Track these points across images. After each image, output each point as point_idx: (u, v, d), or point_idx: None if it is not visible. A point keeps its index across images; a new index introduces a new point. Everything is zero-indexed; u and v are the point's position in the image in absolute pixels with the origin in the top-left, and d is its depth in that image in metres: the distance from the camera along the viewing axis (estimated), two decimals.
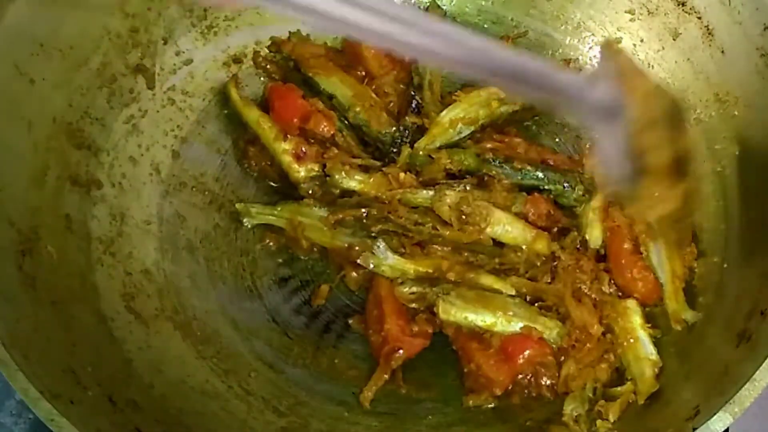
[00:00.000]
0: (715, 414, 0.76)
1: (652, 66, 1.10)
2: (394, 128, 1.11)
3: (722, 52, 1.01)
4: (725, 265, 0.97)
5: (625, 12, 1.11)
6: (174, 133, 1.10)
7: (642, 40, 1.11)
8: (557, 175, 1.07)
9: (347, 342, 1.05)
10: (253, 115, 1.11)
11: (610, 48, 0.84)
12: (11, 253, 0.86)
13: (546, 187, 1.06)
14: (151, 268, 1.03)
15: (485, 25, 1.19)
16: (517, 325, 0.97)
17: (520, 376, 0.97)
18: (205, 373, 0.98)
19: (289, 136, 1.09)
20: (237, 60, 1.15)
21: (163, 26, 1.08)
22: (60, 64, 0.96)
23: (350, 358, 1.04)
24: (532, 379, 0.97)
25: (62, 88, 0.97)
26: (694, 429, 0.77)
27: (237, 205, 1.09)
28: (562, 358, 0.97)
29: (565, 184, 1.06)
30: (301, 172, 1.08)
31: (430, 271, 1.03)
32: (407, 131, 1.11)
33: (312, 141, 1.10)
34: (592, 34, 1.15)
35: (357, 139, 1.12)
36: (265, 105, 1.13)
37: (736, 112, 1.00)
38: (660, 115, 0.82)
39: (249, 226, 1.09)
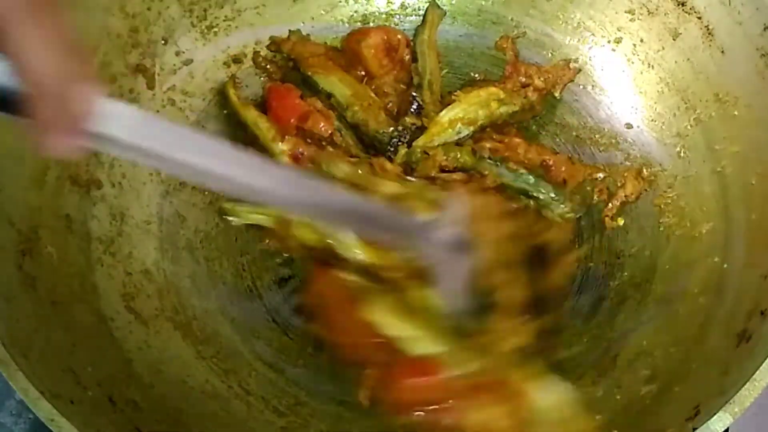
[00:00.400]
0: (715, 414, 0.76)
1: (652, 66, 1.10)
2: (392, 128, 1.11)
3: (722, 52, 1.01)
4: (725, 266, 0.97)
5: (625, 12, 1.11)
6: None
7: (642, 40, 1.11)
8: (549, 187, 1.06)
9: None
10: (250, 115, 1.10)
11: (457, 196, 0.93)
12: (11, 253, 0.86)
13: (534, 194, 1.06)
14: (151, 268, 1.03)
15: (485, 26, 1.19)
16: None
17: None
18: (205, 373, 0.98)
19: (286, 136, 1.08)
20: (237, 60, 1.15)
21: (163, 26, 1.08)
22: None
23: None
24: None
25: None
26: (694, 429, 0.77)
27: (224, 204, 1.08)
28: None
29: (552, 195, 1.05)
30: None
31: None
32: (406, 131, 1.11)
33: (310, 141, 1.09)
34: (592, 34, 1.14)
35: (355, 138, 1.12)
36: (264, 105, 1.13)
37: (736, 112, 1.00)
38: (514, 258, 0.87)
39: (237, 225, 1.08)
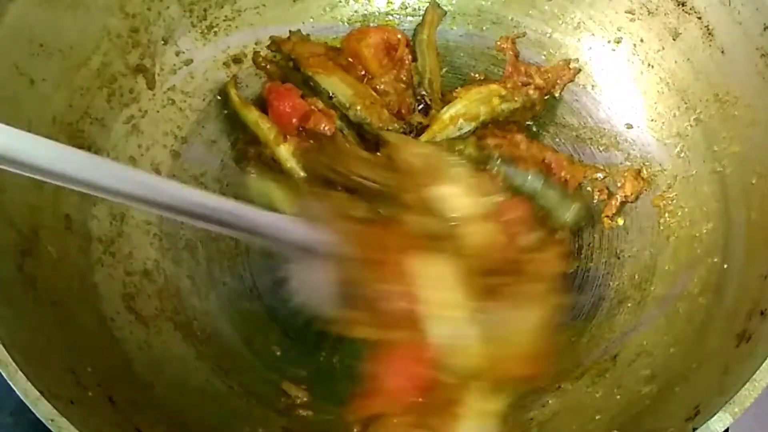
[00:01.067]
0: (715, 414, 0.76)
1: (652, 66, 1.10)
2: (397, 124, 1.11)
3: (722, 52, 1.01)
4: (725, 266, 0.97)
5: (625, 12, 1.11)
6: (174, 133, 1.10)
7: (642, 40, 1.11)
8: (556, 193, 1.06)
9: (347, 342, 1.05)
10: (252, 115, 1.11)
11: (310, 198, 0.95)
12: (11, 253, 0.86)
13: (541, 201, 1.05)
14: (151, 269, 1.03)
15: (485, 26, 1.19)
16: None
17: None
18: (205, 373, 0.99)
19: (288, 137, 1.09)
20: (237, 60, 1.15)
21: (163, 26, 1.08)
22: (60, 64, 0.96)
23: (350, 358, 1.05)
24: None
25: (62, 88, 0.97)
26: (694, 429, 0.77)
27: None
28: None
29: (558, 199, 1.05)
30: (302, 172, 1.08)
31: None
32: (413, 130, 1.12)
33: (312, 141, 1.10)
34: (592, 34, 1.14)
35: (357, 137, 1.12)
36: (263, 105, 1.13)
37: (736, 112, 1.00)
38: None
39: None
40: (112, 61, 1.02)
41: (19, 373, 0.74)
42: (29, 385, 0.74)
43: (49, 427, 0.74)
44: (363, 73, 1.16)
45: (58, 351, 0.84)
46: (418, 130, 1.11)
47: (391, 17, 1.21)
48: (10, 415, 1.05)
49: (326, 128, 1.09)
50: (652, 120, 1.11)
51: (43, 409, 0.74)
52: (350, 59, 1.17)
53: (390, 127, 1.11)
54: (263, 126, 1.10)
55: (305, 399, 0.99)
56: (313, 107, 1.10)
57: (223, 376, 0.99)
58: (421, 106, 1.14)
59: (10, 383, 0.74)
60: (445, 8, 1.21)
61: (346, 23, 1.20)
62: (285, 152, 1.08)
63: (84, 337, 0.89)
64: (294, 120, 1.10)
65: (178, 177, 1.09)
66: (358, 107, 1.11)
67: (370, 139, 1.12)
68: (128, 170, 0.82)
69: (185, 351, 0.99)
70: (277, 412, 0.98)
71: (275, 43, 1.17)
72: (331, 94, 1.12)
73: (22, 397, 0.74)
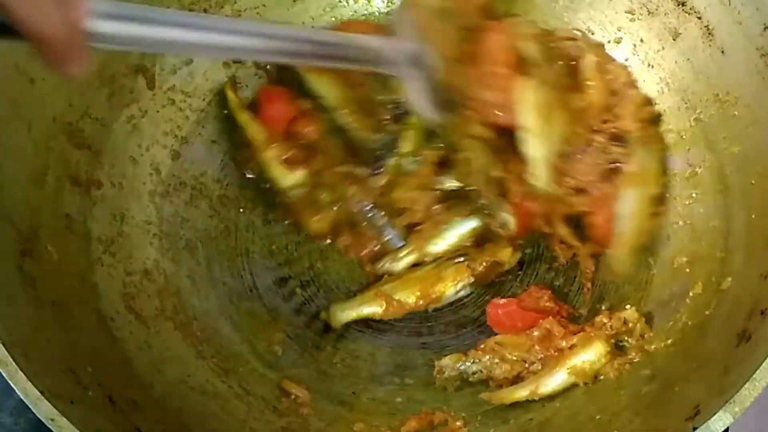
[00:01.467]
0: (715, 414, 0.76)
1: (652, 66, 1.10)
2: (379, 135, 1.10)
3: (722, 52, 1.01)
4: (725, 265, 0.96)
5: (625, 12, 1.11)
6: (174, 133, 1.10)
7: (642, 40, 1.11)
8: None
9: (347, 342, 1.05)
10: (243, 118, 1.10)
11: (408, 6, 0.97)
12: (11, 253, 0.85)
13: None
14: (151, 268, 1.03)
15: None
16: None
17: None
18: (205, 373, 0.98)
19: (275, 142, 1.08)
20: (237, 59, 1.15)
21: None
22: None
23: (350, 358, 1.05)
24: None
25: (62, 88, 0.97)
26: (694, 429, 0.76)
27: (322, 314, 1.06)
28: None
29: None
30: (286, 179, 1.07)
31: None
32: (394, 139, 1.10)
33: (299, 145, 1.09)
34: (592, 34, 1.14)
35: (342, 144, 1.11)
36: (256, 108, 1.12)
37: (736, 112, 1.00)
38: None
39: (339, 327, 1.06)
40: (112, 61, 1.02)
41: (19, 372, 0.74)
42: (29, 384, 0.74)
43: (50, 426, 0.74)
44: (355, 78, 1.13)
45: (58, 351, 0.84)
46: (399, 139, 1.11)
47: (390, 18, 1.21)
48: (10, 415, 1.05)
49: (310, 132, 1.09)
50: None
51: (43, 408, 0.74)
52: None
53: (372, 137, 1.10)
54: (252, 129, 1.09)
55: (305, 399, 0.99)
56: (300, 110, 1.10)
57: (223, 376, 0.99)
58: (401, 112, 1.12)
59: (10, 383, 0.74)
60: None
61: None
62: (269, 157, 1.08)
63: (84, 337, 0.89)
64: (283, 123, 1.09)
65: (178, 177, 1.09)
66: (345, 111, 1.10)
67: (353, 147, 1.11)
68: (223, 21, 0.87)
69: (185, 351, 0.99)
70: (277, 413, 0.98)
71: None
72: (319, 96, 1.11)
73: (22, 397, 0.74)
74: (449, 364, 1.00)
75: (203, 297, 1.05)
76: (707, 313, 0.94)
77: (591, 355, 0.96)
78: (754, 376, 0.77)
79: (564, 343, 0.98)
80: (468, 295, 1.07)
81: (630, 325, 0.98)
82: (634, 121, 1.04)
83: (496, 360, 0.99)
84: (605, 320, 0.98)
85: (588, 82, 1.04)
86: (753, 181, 0.97)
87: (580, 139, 1.02)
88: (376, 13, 1.21)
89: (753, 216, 0.96)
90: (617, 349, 0.98)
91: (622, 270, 1.04)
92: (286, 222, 1.11)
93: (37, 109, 0.94)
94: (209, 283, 1.06)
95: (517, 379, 0.99)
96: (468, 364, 1.00)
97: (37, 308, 0.85)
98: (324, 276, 1.10)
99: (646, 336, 0.98)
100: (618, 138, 1.03)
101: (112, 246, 1.00)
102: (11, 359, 0.75)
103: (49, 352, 0.82)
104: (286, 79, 1.14)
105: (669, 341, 0.96)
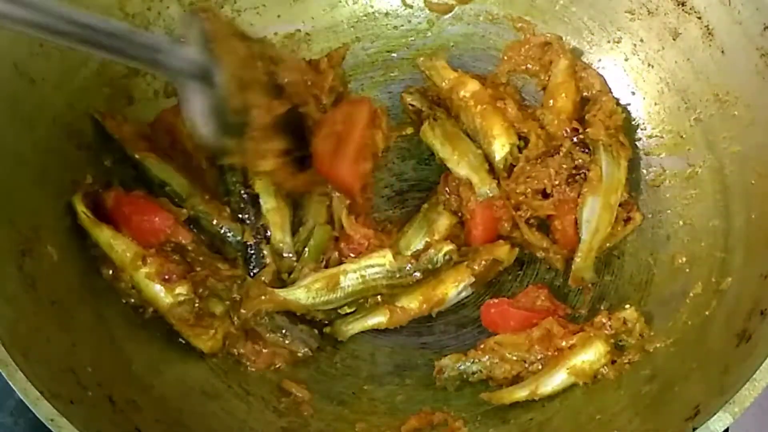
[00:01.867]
0: (715, 414, 0.76)
1: (652, 66, 1.10)
2: (243, 230, 1.02)
3: (722, 52, 1.01)
4: (725, 265, 0.96)
5: (625, 12, 1.11)
6: None
7: (642, 40, 1.10)
8: None
9: (347, 342, 1.05)
10: (104, 236, 0.96)
11: (200, 13, 0.90)
12: (11, 253, 0.86)
13: None
14: None
15: (485, 26, 1.19)
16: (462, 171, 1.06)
17: None
18: (205, 373, 0.98)
19: (148, 259, 0.96)
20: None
21: (163, 26, 1.08)
22: (60, 64, 0.96)
23: (350, 358, 1.04)
24: None
25: (62, 89, 0.97)
26: (694, 429, 0.76)
27: (326, 329, 1.04)
28: None
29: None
30: (167, 298, 0.96)
31: None
32: (259, 236, 1.03)
33: (171, 257, 0.98)
34: (592, 34, 1.14)
35: (207, 241, 1.02)
36: (108, 217, 0.98)
37: (736, 112, 1.00)
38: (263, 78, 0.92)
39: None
40: (110, 62, 1.02)
41: (19, 373, 0.74)
42: (29, 385, 0.74)
43: (49, 426, 0.74)
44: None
45: (58, 351, 0.84)
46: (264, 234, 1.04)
47: (390, 18, 1.21)
48: (10, 415, 1.05)
49: (182, 240, 0.99)
50: (652, 120, 1.11)
51: (43, 409, 0.74)
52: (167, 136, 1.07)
53: (233, 231, 1.02)
54: (118, 248, 0.96)
55: (306, 398, 0.99)
56: (173, 216, 0.99)
57: (223, 376, 0.99)
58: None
59: (10, 383, 0.74)
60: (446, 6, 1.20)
61: (345, 24, 1.20)
62: (144, 275, 0.96)
63: (84, 337, 0.89)
64: (160, 235, 0.98)
65: None
66: (197, 200, 1.01)
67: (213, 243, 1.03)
68: None
69: (185, 351, 0.99)
70: (277, 413, 0.98)
71: (101, 115, 1.02)
72: (166, 184, 1.02)
73: (22, 397, 0.74)
74: (449, 364, 1.00)
75: None
76: (707, 313, 0.94)
77: (591, 355, 0.96)
78: (754, 376, 0.77)
79: (564, 343, 0.97)
80: (468, 296, 1.07)
81: (630, 324, 0.98)
82: (602, 129, 1.05)
83: (496, 360, 0.99)
84: (604, 320, 0.98)
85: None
86: (753, 181, 0.96)
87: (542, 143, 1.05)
88: (376, 15, 1.20)
89: (753, 216, 0.96)
90: (617, 348, 0.98)
91: (583, 276, 1.05)
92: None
93: (38, 109, 0.94)
94: None
95: (517, 379, 0.99)
96: (468, 364, 1.00)
97: (37, 308, 0.85)
98: None
99: (645, 335, 0.98)
100: (585, 145, 1.04)
101: None
102: (11, 359, 0.75)
103: (49, 352, 0.82)
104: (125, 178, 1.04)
105: (669, 341, 0.96)
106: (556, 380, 0.96)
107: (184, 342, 0.99)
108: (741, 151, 0.99)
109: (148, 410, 0.88)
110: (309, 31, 1.18)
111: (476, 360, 1.00)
